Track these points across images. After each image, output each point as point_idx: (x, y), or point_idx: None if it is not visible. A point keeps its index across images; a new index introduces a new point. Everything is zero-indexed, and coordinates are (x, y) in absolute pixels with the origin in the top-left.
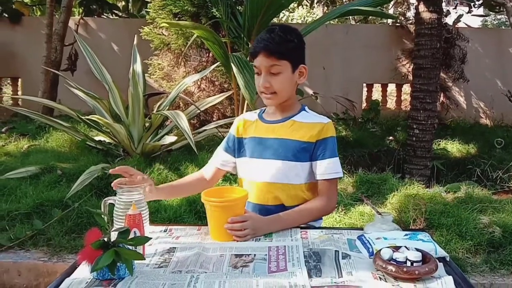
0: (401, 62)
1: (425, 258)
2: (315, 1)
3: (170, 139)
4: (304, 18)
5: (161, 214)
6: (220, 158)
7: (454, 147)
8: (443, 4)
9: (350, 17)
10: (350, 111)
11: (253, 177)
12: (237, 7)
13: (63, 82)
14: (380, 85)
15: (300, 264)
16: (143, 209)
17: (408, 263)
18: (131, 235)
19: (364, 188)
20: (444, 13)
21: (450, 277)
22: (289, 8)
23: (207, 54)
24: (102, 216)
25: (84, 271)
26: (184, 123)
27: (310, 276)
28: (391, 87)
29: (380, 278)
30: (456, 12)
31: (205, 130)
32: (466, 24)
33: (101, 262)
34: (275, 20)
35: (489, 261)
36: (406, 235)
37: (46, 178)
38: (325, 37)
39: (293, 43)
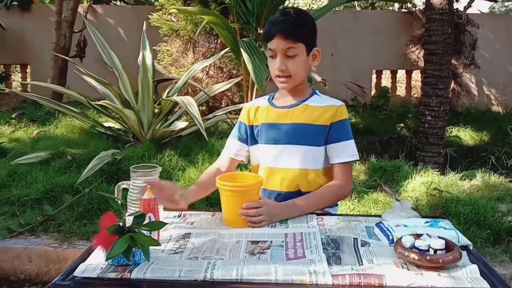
0: (411, 48)
1: (449, 246)
2: None
3: (180, 124)
4: (309, 5)
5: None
6: (233, 148)
7: (466, 134)
8: None
9: (356, 2)
10: (361, 97)
11: (269, 164)
12: None
13: (72, 69)
14: (389, 71)
15: (318, 251)
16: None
17: (431, 251)
18: (146, 220)
19: (377, 176)
20: None
21: (475, 265)
22: None
23: (216, 41)
24: (116, 200)
25: (99, 257)
26: (194, 109)
27: (329, 264)
28: (401, 74)
29: (402, 266)
30: None
31: (215, 116)
32: (479, 10)
33: (116, 248)
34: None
35: (509, 251)
36: (426, 222)
37: (56, 163)
38: (333, 24)
39: (308, 26)
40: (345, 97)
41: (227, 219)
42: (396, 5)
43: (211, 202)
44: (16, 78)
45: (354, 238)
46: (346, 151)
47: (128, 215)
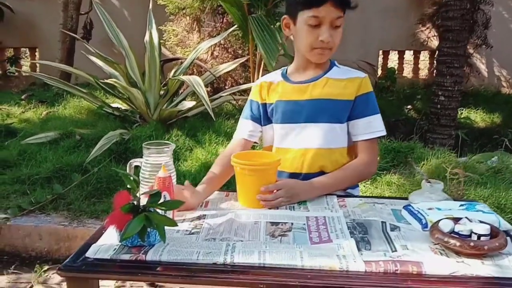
0: (420, 28)
1: (492, 231)
2: None
3: (188, 104)
4: None
5: (180, 181)
6: (246, 129)
7: (478, 116)
8: None
9: None
10: (372, 77)
11: (288, 144)
12: None
13: (79, 51)
14: (396, 52)
15: (345, 235)
16: (171, 172)
17: (474, 237)
18: (162, 199)
19: (390, 157)
20: None
21: None
22: None
23: (222, 20)
24: (130, 177)
25: (111, 236)
26: (201, 88)
27: (358, 249)
28: (409, 55)
29: (440, 253)
30: None
31: (220, 96)
32: None
33: (131, 228)
34: None
35: None
36: (461, 205)
37: (65, 143)
38: None
39: None
40: None
41: (242, 198)
42: None
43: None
44: (26, 63)
45: (382, 222)
46: (372, 126)
47: (143, 193)
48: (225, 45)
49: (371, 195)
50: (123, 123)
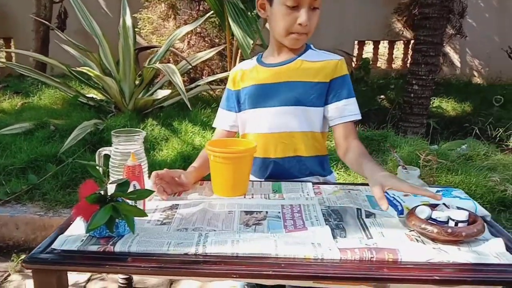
0: (396, 17)
1: (469, 217)
2: None
3: (163, 92)
4: None
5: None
6: (226, 120)
7: (449, 106)
8: None
9: None
10: (348, 66)
11: (261, 130)
12: None
13: (53, 41)
14: (371, 43)
15: (320, 222)
16: (142, 161)
17: (451, 223)
18: (131, 189)
19: (364, 145)
20: None
21: (500, 239)
22: None
23: (198, 7)
24: (96, 167)
25: (79, 227)
26: (177, 77)
27: (334, 237)
28: (383, 45)
29: (416, 239)
30: None
31: (197, 86)
32: None
33: (97, 218)
34: None
35: (499, 221)
36: (437, 191)
37: (40, 133)
38: None
39: None
40: None
41: (218, 188)
42: None
43: None
44: (1, 54)
45: (357, 209)
46: (349, 109)
47: (111, 183)
48: (201, 34)
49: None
50: (98, 113)
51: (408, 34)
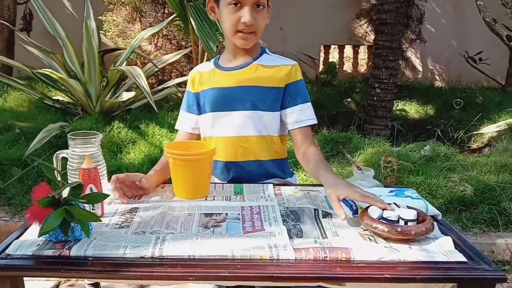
0: (358, 22)
1: (420, 216)
2: None
3: (128, 95)
4: None
5: (123, 173)
6: (188, 122)
7: (412, 108)
8: None
9: None
10: (313, 70)
11: (220, 133)
12: None
13: (18, 43)
14: (337, 47)
15: (277, 223)
16: (99, 164)
17: (402, 222)
18: (87, 191)
19: (329, 147)
20: None
21: (449, 237)
22: None
23: (163, 10)
24: (51, 168)
25: (35, 232)
26: (142, 79)
27: (290, 237)
28: (348, 49)
29: (369, 239)
30: None
31: (164, 88)
32: None
33: (48, 222)
34: None
35: (460, 220)
36: (391, 191)
37: (4, 137)
38: None
39: None
40: None
41: (177, 190)
42: None
43: None
44: None
45: (314, 209)
46: (305, 114)
47: (65, 186)
48: (168, 36)
49: (311, 183)
50: (64, 115)
51: (370, 39)
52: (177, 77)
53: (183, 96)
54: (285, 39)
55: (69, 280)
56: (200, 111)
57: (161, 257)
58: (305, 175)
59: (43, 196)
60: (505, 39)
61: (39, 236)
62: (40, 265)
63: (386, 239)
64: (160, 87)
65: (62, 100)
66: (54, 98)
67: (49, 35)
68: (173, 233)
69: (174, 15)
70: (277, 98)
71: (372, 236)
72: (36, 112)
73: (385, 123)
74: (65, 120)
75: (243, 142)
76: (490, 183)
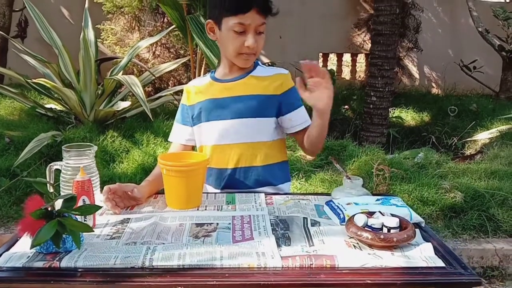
0: (356, 31)
1: (402, 224)
2: None
3: (123, 104)
4: None
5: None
6: (182, 134)
7: (408, 115)
8: None
9: None
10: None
11: (216, 142)
12: None
13: (12, 51)
14: (335, 55)
15: (267, 232)
16: (93, 175)
17: (385, 230)
18: (80, 203)
19: (324, 155)
20: None
21: (429, 243)
22: None
23: (162, 19)
24: (42, 182)
25: (25, 244)
26: (138, 88)
27: (278, 245)
28: (346, 57)
29: (354, 246)
30: None
31: (161, 96)
32: None
33: (41, 234)
34: None
35: (451, 227)
36: (377, 200)
37: None
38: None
39: None
40: (293, 79)
41: (170, 200)
42: None
43: None
44: None
45: (303, 218)
46: (304, 117)
47: (58, 198)
48: (166, 45)
49: (305, 191)
50: (57, 124)
51: (368, 47)
52: (174, 85)
53: (179, 104)
54: (284, 47)
55: None
56: (193, 122)
57: (151, 267)
58: (299, 183)
59: (36, 208)
60: (497, 48)
61: (31, 248)
62: (30, 276)
63: (370, 246)
64: (156, 95)
65: (55, 109)
66: (46, 106)
67: (44, 42)
68: (163, 243)
69: (174, 26)
70: (273, 105)
71: (357, 243)
72: (28, 121)
73: (380, 130)
74: (58, 129)
75: (240, 149)
76: (480, 190)
